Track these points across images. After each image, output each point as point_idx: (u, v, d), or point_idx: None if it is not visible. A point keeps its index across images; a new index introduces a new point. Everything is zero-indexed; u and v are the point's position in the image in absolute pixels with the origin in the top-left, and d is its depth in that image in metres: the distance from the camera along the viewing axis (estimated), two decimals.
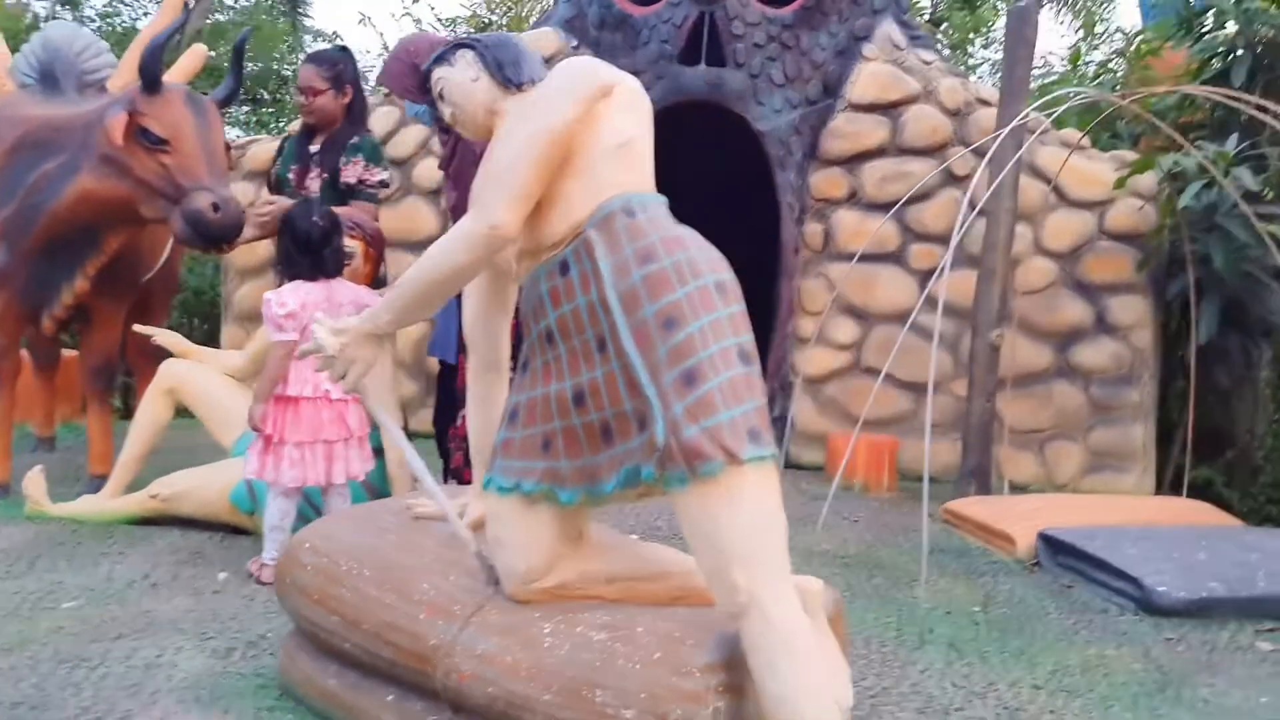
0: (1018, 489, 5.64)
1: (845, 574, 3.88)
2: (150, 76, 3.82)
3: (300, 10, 9.23)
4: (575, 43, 6.07)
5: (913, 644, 3.13)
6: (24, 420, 5.88)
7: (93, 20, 8.22)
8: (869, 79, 5.81)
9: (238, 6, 9.06)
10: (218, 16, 9.18)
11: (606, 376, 1.94)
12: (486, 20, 9.71)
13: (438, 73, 2.29)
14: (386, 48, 9.00)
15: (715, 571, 1.82)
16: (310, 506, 3.59)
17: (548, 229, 2.04)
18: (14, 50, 4.90)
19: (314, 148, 4.10)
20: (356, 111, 4.14)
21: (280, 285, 3.52)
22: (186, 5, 4.41)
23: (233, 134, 8.33)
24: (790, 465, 5.95)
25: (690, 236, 2.01)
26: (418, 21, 9.16)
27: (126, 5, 8.46)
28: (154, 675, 2.58)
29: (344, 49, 4.33)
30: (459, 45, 2.29)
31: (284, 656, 2.55)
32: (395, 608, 2.21)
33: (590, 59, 2.12)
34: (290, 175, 4.17)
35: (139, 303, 5.11)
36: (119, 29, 8.28)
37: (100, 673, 2.58)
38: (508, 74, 2.21)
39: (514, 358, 2.39)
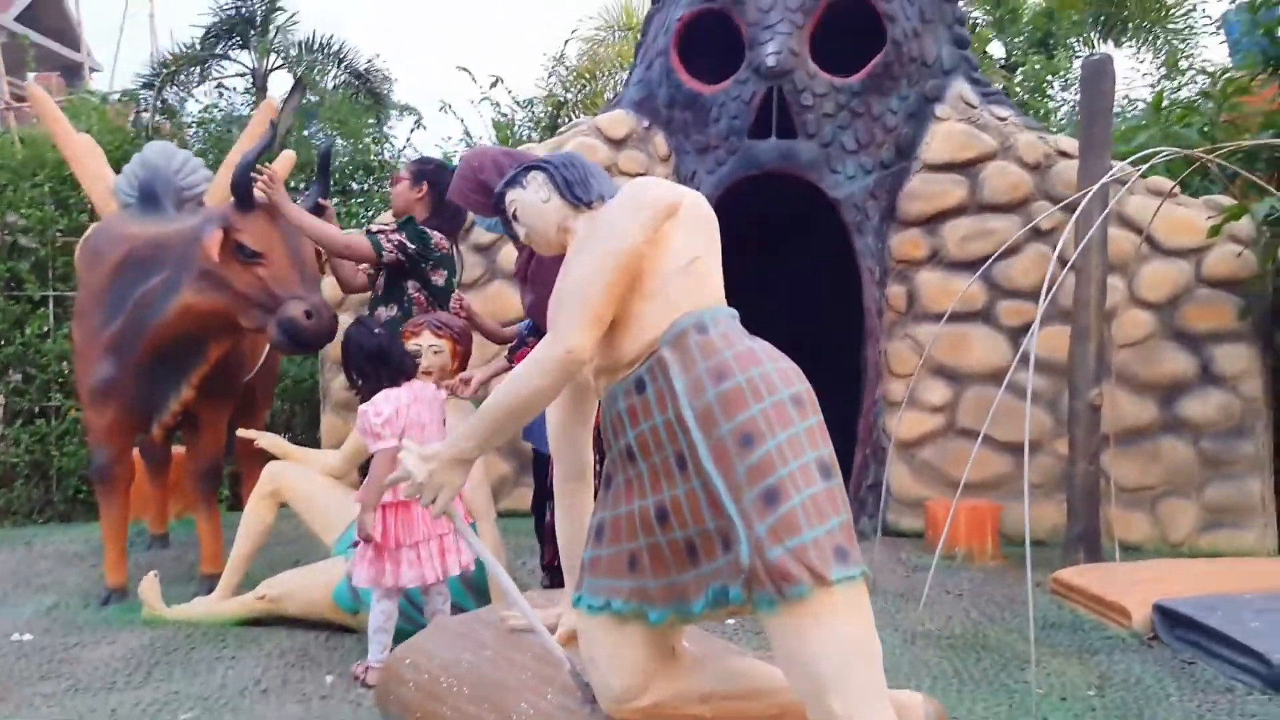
0: (1130, 550, 5.42)
1: (952, 657, 3.76)
2: (242, 194, 4.02)
3: (383, 103, 9.59)
4: (647, 123, 6.17)
5: None
6: (139, 517, 6.14)
7: (190, 126, 8.66)
8: (943, 139, 5.76)
9: (325, 102, 9.46)
10: (308, 107, 9.59)
11: (688, 494, 1.94)
12: (563, 99, 9.93)
13: (510, 195, 2.36)
14: (468, 133, 9.29)
15: (810, 696, 1.80)
16: (410, 604, 3.65)
17: (623, 348, 2.07)
18: (117, 167, 5.18)
19: None
20: (433, 208, 4.31)
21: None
22: (273, 123, 4.60)
23: None
24: (889, 533, 5.83)
25: (763, 350, 2.01)
26: (496, 105, 9.40)
27: (218, 109, 8.90)
28: None
29: (445, 164, 4.55)
30: (530, 168, 2.36)
31: None
32: None
33: (654, 180, 2.16)
34: None
35: (242, 401, 5.33)
36: (215, 133, 8.69)
37: None
38: (577, 193, 2.27)
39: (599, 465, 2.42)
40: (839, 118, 5.60)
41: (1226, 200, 5.32)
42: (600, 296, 2.03)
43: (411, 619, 3.55)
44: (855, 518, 5.80)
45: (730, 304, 2.15)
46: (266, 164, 4.10)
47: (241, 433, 4.54)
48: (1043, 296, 4.24)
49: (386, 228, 4.26)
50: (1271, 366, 5.50)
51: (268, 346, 5.32)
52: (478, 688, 2.33)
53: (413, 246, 4.18)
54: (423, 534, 3.37)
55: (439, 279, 4.28)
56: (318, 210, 4.41)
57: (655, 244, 2.07)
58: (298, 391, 8.01)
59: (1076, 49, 9.76)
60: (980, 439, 5.01)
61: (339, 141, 9.59)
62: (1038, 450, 5.70)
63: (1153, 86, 8.21)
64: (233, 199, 4.08)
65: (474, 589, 3.78)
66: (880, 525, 5.83)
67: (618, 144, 6.17)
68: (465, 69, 9.25)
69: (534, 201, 2.31)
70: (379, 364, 3.51)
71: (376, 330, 3.58)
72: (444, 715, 2.33)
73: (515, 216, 2.36)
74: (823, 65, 5.63)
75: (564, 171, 2.32)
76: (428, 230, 4.26)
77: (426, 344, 3.91)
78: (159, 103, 8.53)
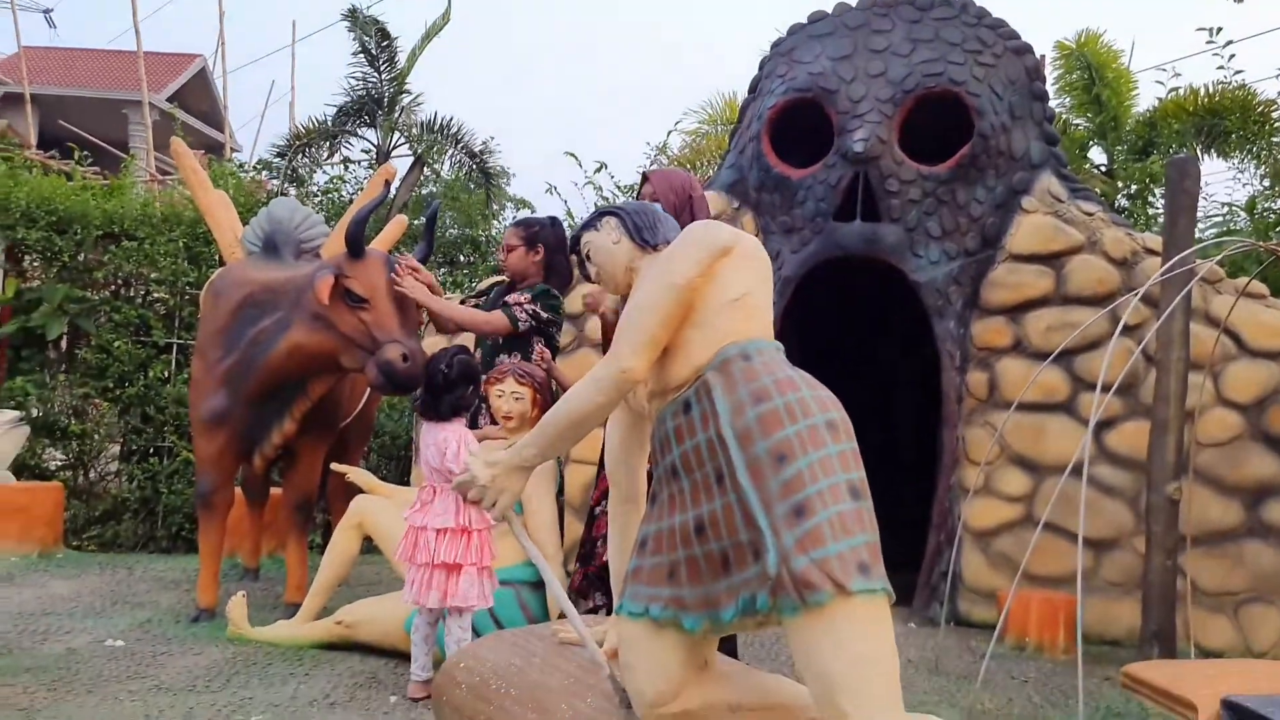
0: (1211, 655, 5.25)
1: None
2: (354, 244, 4.35)
3: (494, 182, 10.11)
4: (737, 204, 6.42)
5: None
6: (234, 551, 6.47)
7: (315, 195, 9.26)
8: (1029, 230, 5.85)
9: (440, 180, 10.04)
10: (431, 189, 10.21)
11: (724, 508, 2.07)
12: None
13: (585, 237, 2.58)
14: (570, 214, 9.71)
15: (823, 700, 1.89)
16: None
17: (673, 372, 2.24)
18: (245, 222, 5.65)
19: (508, 297, 4.53)
20: (549, 270, 4.54)
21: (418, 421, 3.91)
22: (388, 184, 4.98)
23: None
24: (960, 622, 5.76)
25: (802, 378, 2.16)
26: (599, 189, 9.82)
27: (345, 182, 9.51)
28: None
29: (554, 219, 4.79)
30: (604, 213, 2.59)
31: None
32: None
33: (712, 223, 2.36)
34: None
35: (337, 444, 5.63)
36: (338, 203, 9.28)
37: None
38: (645, 236, 2.48)
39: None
40: (924, 204, 5.75)
41: None
42: (656, 324, 2.21)
43: None
44: (926, 604, 5.79)
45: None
46: (401, 256, 4.38)
47: (334, 467, 4.82)
48: (1099, 381, 4.26)
49: (521, 300, 4.39)
50: None
51: (365, 396, 5.65)
52: (524, 690, 2.46)
53: (546, 315, 4.39)
54: (452, 558, 3.58)
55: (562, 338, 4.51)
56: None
57: (709, 279, 2.26)
58: (392, 448, 8.36)
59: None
60: (1056, 530, 4.99)
61: (450, 216, 10.15)
62: (1116, 547, 5.61)
63: (1255, 195, 8.14)
64: (345, 249, 4.43)
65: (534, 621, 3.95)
66: (951, 613, 5.77)
67: None
68: (572, 154, 9.67)
69: (605, 244, 2.52)
70: (429, 389, 3.82)
71: (445, 366, 3.83)
72: (490, 714, 2.46)
73: (588, 256, 2.58)
74: (910, 154, 5.81)
75: (635, 217, 2.53)
76: (548, 290, 4.46)
77: (509, 390, 4.16)
78: (289, 170, 9.20)
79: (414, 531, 3.69)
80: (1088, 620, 5.56)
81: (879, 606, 1.94)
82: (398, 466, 8.23)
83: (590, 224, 2.59)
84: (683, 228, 3.30)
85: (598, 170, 9.86)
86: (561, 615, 2.67)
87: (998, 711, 4.03)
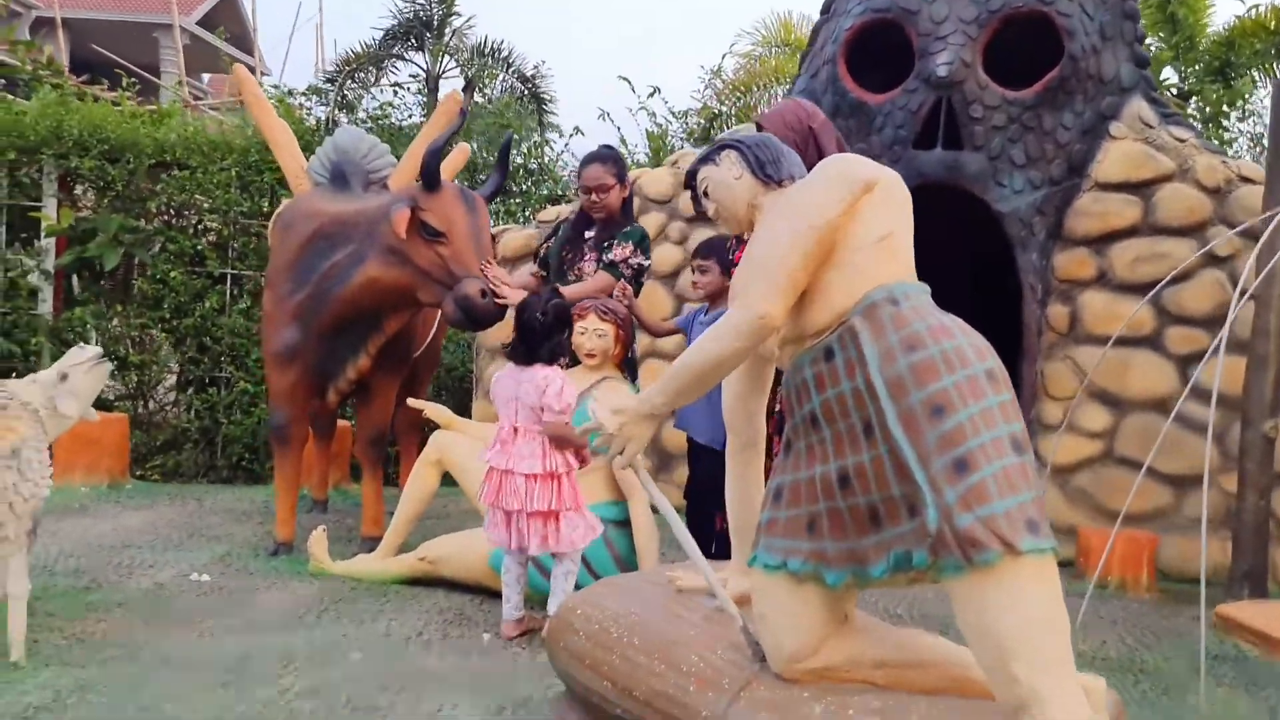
0: None
1: (1108, 678, 3.64)
2: (431, 176, 4.23)
3: (545, 108, 9.89)
4: None
5: None
6: (302, 484, 6.48)
7: (365, 122, 9.10)
8: (1118, 157, 5.60)
9: (490, 106, 9.81)
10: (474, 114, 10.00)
11: (874, 461, 1.97)
12: (716, 111, 10.06)
13: (703, 171, 2.44)
14: (624, 141, 9.50)
15: (994, 664, 1.81)
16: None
17: (811, 317, 2.12)
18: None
19: (590, 234, 4.40)
20: (629, 203, 4.44)
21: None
22: (463, 110, 4.83)
23: None
24: None
25: (956, 324, 2.04)
26: (652, 115, 9.59)
27: (394, 109, 9.34)
28: None
29: (610, 147, 4.65)
30: (723, 146, 2.44)
31: (555, 718, 2.68)
32: (665, 677, 2.29)
33: (854, 157, 2.22)
34: (563, 254, 4.51)
35: (407, 377, 5.59)
36: (388, 129, 9.12)
37: None
38: (768, 171, 2.35)
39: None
40: (1009, 131, 5.51)
41: None
42: (796, 266, 2.09)
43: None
44: None
45: None
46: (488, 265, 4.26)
47: (411, 402, 4.76)
48: (1227, 323, 4.09)
49: (627, 255, 4.33)
50: None
51: (434, 328, 5.58)
52: (647, 639, 2.40)
53: (648, 261, 4.36)
54: (546, 505, 3.52)
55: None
56: (493, 197, 4.63)
57: (851, 217, 2.13)
58: (449, 379, 8.31)
59: (1257, 79, 9.34)
60: (1139, 467, 4.85)
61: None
62: (1201, 484, 5.46)
63: None
64: (421, 180, 4.30)
65: (622, 565, 3.90)
66: None
67: None
68: (625, 78, 9.42)
69: (725, 179, 2.38)
70: (526, 335, 3.69)
71: (541, 313, 3.70)
72: (613, 664, 2.41)
73: (706, 193, 2.44)
74: (994, 77, 5.56)
75: (757, 151, 2.39)
76: (644, 232, 4.43)
77: (592, 327, 4.07)
78: (339, 97, 9.02)
79: (496, 474, 3.61)
80: (1169, 557, 5.47)
81: (1048, 565, 1.85)
82: (456, 398, 8.19)
83: (708, 158, 2.46)
84: (808, 163, 3.15)
85: (650, 95, 9.61)
86: (684, 557, 2.60)
87: (1093, 654, 3.96)
